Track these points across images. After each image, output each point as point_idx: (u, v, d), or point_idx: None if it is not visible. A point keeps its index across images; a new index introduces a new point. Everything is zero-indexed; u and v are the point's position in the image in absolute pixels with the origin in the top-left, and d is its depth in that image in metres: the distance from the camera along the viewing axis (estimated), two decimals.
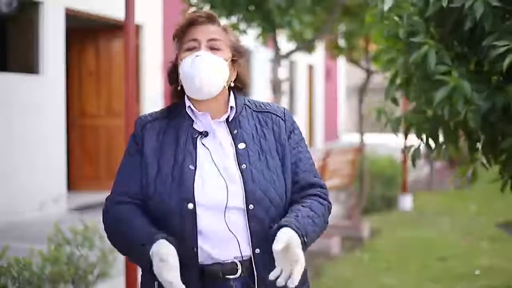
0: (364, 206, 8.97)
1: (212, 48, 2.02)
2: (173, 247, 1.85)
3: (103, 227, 2.06)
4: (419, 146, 3.34)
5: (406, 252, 7.05)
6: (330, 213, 2.09)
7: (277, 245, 1.82)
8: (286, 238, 1.84)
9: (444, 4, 2.96)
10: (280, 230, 1.87)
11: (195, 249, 1.93)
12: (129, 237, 1.93)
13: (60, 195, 7.93)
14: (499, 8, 2.93)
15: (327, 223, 2.07)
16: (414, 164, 3.37)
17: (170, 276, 1.81)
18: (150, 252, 1.84)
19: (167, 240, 1.86)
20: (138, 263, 1.96)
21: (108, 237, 2.05)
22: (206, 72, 1.97)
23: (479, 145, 3.29)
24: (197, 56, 1.99)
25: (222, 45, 2.03)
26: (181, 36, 2.05)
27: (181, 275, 1.92)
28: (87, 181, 9.15)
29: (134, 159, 2.03)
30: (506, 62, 2.79)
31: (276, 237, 1.85)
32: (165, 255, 1.82)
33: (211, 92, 2.01)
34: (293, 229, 1.87)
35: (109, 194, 2.05)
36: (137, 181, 2.00)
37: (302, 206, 1.99)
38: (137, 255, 1.91)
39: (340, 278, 6.02)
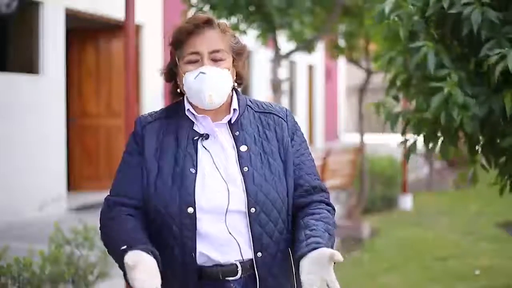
0: (364, 206, 8.97)
1: (215, 60, 1.98)
2: (151, 258, 1.81)
3: (99, 229, 2.04)
4: (416, 141, 3.34)
5: (406, 252, 7.05)
6: (333, 209, 2.08)
7: (338, 256, 1.80)
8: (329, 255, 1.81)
9: (445, 5, 2.96)
10: (318, 250, 1.83)
11: (193, 254, 1.91)
12: (117, 243, 1.90)
13: (60, 195, 7.93)
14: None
15: (336, 229, 2.05)
16: (408, 158, 3.37)
17: (136, 280, 1.76)
18: (125, 258, 1.79)
19: (148, 252, 1.82)
20: (121, 269, 1.92)
21: (102, 239, 2.04)
22: (214, 89, 1.95)
23: (478, 147, 3.29)
24: (201, 72, 1.95)
25: (224, 55, 1.99)
26: (180, 44, 2.01)
27: (180, 277, 1.92)
28: (87, 181, 9.15)
29: (134, 159, 2.01)
30: (498, 70, 2.81)
31: (321, 253, 1.82)
32: (135, 263, 1.77)
33: (220, 104, 2.00)
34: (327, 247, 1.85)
35: (108, 194, 2.04)
36: (137, 182, 1.98)
37: (316, 219, 1.96)
38: (117, 258, 1.89)
39: (340, 278, 6.01)
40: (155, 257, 1.83)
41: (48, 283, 3.44)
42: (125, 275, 1.87)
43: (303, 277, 1.81)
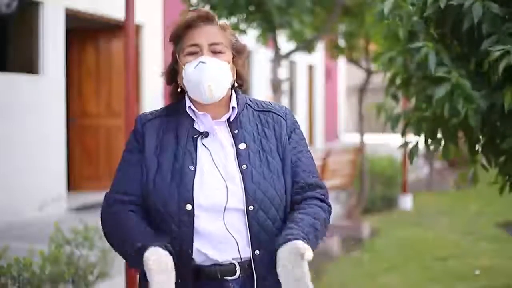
0: (364, 206, 8.97)
1: (215, 52, 1.99)
2: (167, 254, 1.83)
3: (101, 225, 2.05)
4: (417, 143, 3.34)
5: (406, 252, 7.05)
6: (330, 214, 2.08)
7: (308, 254, 1.80)
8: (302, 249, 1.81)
9: (442, 5, 2.96)
10: (291, 242, 1.83)
11: (190, 251, 1.92)
12: (125, 239, 1.92)
13: (60, 195, 7.93)
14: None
15: (327, 226, 2.05)
16: (411, 161, 3.37)
17: (155, 282, 1.79)
18: (144, 257, 1.81)
19: (162, 247, 1.84)
20: (132, 265, 1.95)
21: (105, 235, 2.04)
22: (213, 79, 1.95)
23: (479, 146, 3.29)
24: (201, 62, 1.96)
25: (223, 48, 2.00)
26: (180, 38, 2.02)
27: (177, 276, 1.92)
28: (87, 181, 9.15)
29: (134, 157, 2.02)
30: (501, 66, 2.80)
31: (290, 251, 1.82)
32: (154, 262, 1.79)
33: (219, 97, 1.99)
34: (304, 241, 1.84)
35: (108, 192, 2.04)
36: (136, 180, 1.99)
37: (303, 213, 1.97)
38: (132, 258, 1.90)
39: (340, 278, 6.02)
40: (169, 251, 1.85)
41: (48, 283, 3.43)
42: (134, 266, 1.90)
43: (278, 270, 1.84)
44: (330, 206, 2.08)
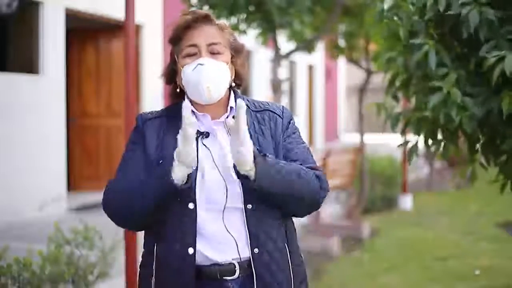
0: (364, 206, 8.97)
1: (213, 53, 1.99)
2: None
3: (104, 202, 2.01)
4: (417, 142, 3.34)
5: (406, 252, 7.05)
6: (324, 190, 2.01)
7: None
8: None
9: (441, 8, 2.96)
10: None
11: (192, 249, 1.92)
12: (139, 182, 1.93)
13: (60, 195, 7.93)
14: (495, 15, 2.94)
15: (307, 187, 1.97)
16: (410, 161, 3.37)
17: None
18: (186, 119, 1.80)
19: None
20: (157, 192, 1.90)
21: (115, 211, 1.99)
22: (212, 81, 1.96)
23: (478, 146, 3.29)
24: (199, 64, 1.97)
25: (221, 48, 2.01)
26: (179, 39, 2.03)
27: (177, 276, 1.92)
28: (87, 181, 9.15)
29: (135, 154, 2.03)
30: (496, 73, 2.80)
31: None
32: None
33: (217, 98, 2.00)
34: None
35: (107, 186, 2.03)
36: (136, 180, 1.99)
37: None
38: (159, 181, 1.89)
39: (340, 278, 6.02)
40: None
41: (48, 283, 3.43)
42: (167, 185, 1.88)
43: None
44: (324, 181, 2.02)
